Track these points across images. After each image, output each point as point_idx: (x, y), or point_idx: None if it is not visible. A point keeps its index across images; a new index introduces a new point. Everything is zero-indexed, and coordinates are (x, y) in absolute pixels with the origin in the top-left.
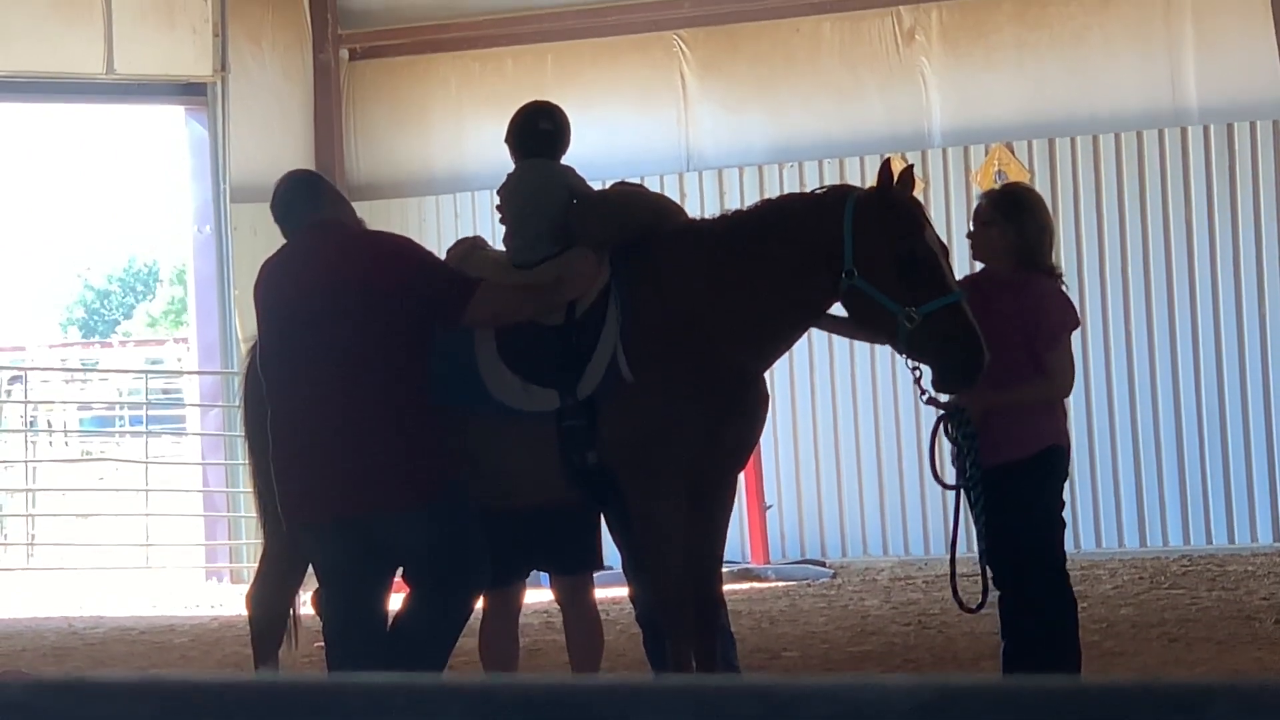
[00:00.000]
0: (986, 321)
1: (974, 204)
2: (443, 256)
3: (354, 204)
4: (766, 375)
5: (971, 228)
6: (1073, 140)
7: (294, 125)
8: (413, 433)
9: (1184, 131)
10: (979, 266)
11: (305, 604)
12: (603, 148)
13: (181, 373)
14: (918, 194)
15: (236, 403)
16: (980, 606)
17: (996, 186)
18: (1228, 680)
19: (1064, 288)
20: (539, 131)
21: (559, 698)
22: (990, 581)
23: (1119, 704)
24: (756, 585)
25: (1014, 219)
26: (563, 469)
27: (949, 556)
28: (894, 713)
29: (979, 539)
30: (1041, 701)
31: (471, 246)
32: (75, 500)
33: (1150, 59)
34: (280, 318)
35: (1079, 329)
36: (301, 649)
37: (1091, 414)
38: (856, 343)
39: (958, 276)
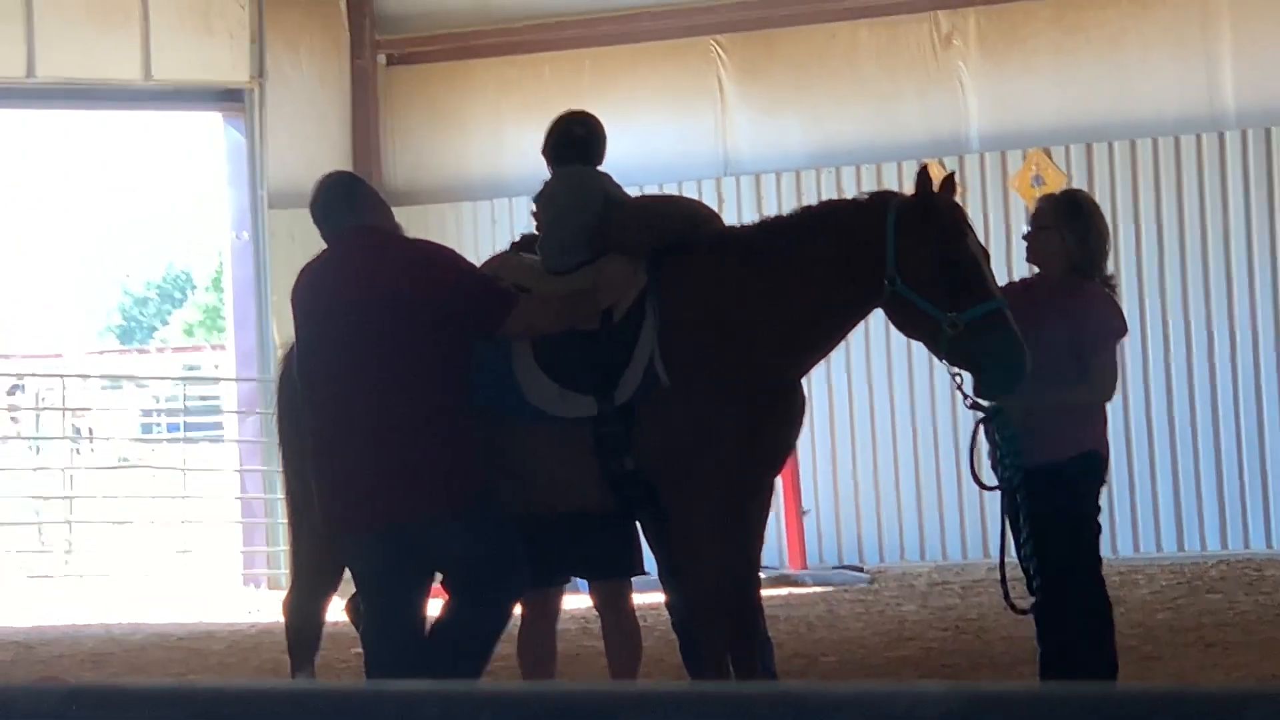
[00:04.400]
0: (1033, 325)
1: (1011, 209)
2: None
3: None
4: (804, 380)
5: (1028, 229)
6: (1110, 145)
7: (331, 131)
8: (450, 440)
9: (1221, 136)
10: (1022, 268)
11: (340, 611)
12: (640, 153)
13: (219, 379)
14: (956, 199)
15: (273, 409)
16: (1031, 609)
17: (1035, 192)
18: (1261, 687)
19: (1115, 296)
20: (573, 138)
21: (589, 705)
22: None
23: (1151, 711)
24: (794, 591)
25: (1073, 225)
26: (600, 475)
27: (999, 559)
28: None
29: (1019, 543)
30: (1072, 708)
31: (506, 254)
32: (113, 507)
33: (1187, 63)
34: (318, 324)
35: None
36: (338, 655)
37: (1130, 419)
38: (893, 349)
39: (1005, 279)
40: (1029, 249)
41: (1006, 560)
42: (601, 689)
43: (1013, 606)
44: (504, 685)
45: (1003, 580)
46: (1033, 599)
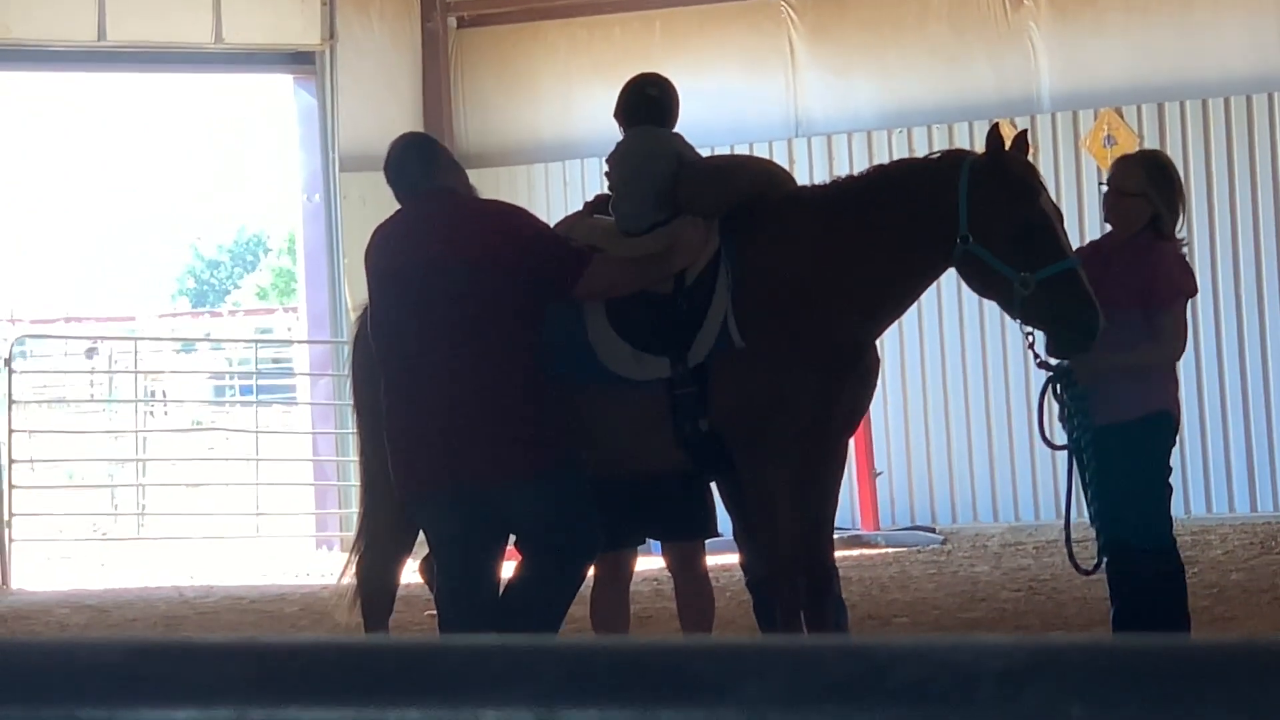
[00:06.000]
0: (1104, 284)
1: (1083, 169)
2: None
3: None
4: (876, 341)
5: (1108, 189)
6: (1182, 105)
7: (402, 93)
8: (525, 402)
9: None
10: (1094, 228)
11: (414, 573)
12: (711, 114)
13: (291, 342)
14: (1028, 158)
15: (346, 372)
16: (1096, 569)
17: (1107, 152)
18: None
19: (1184, 254)
20: (646, 98)
21: (654, 658)
22: (1100, 545)
23: (1216, 663)
24: (866, 552)
25: (1164, 192)
26: (674, 437)
27: (1063, 519)
28: (988, 673)
29: (1088, 502)
30: (1135, 661)
31: (579, 215)
32: (186, 470)
33: (1259, 21)
34: (392, 286)
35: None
36: (412, 617)
37: (1202, 379)
38: (965, 308)
39: (1077, 239)
40: (1108, 209)
41: (1076, 521)
42: (669, 643)
43: (1077, 567)
44: (571, 639)
45: (1068, 541)
46: (1097, 560)
